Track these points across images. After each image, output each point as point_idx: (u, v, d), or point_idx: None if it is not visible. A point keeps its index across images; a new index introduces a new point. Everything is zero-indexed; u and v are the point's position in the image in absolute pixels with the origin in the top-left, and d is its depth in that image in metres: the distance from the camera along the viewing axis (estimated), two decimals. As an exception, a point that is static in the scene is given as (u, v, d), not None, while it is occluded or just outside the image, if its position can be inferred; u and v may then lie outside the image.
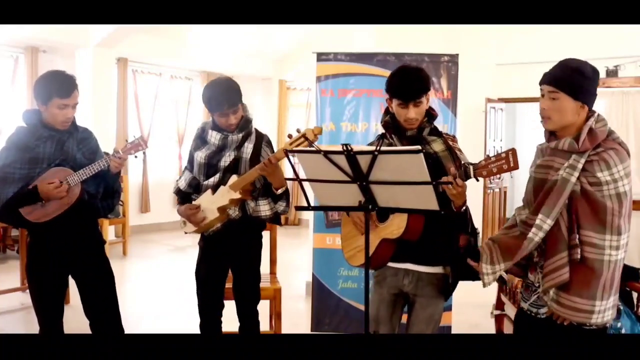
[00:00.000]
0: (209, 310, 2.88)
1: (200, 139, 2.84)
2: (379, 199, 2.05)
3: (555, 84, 1.99)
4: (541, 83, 2.05)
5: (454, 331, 3.86)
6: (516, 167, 1.94)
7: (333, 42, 5.32)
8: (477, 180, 2.10)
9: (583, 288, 1.93)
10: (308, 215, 6.62)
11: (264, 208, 2.72)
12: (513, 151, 1.97)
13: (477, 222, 2.48)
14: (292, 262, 6.19)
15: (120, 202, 6.64)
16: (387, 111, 2.46)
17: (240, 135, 2.74)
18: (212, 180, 2.74)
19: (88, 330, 2.81)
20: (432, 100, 2.81)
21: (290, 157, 2.21)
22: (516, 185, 8.50)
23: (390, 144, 2.40)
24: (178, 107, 8.93)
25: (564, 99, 1.99)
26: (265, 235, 3.00)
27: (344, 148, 1.94)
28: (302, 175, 2.21)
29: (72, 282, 2.81)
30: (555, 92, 1.99)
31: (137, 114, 8.33)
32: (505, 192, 7.79)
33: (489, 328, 3.70)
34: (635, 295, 2.87)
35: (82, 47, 6.99)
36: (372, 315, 2.41)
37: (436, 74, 3.89)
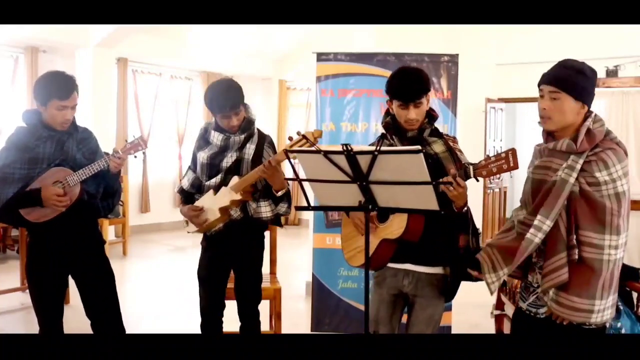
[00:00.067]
0: (210, 310, 2.88)
1: (203, 139, 2.85)
2: (379, 199, 2.05)
3: (557, 84, 1.99)
4: (541, 83, 2.05)
5: (454, 331, 3.86)
6: (516, 167, 1.95)
7: (333, 42, 5.32)
8: (477, 180, 2.10)
9: (582, 288, 1.93)
10: (308, 215, 6.62)
11: (265, 209, 2.72)
12: (513, 151, 1.97)
13: (477, 222, 2.48)
14: (292, 262, 6.19)
15: (120, 202, 6.64)
16: (387, 112, 2.47)
17: (243, 136, 2.75)
18: (214, 180, 2.74)
19: (88, 330, 2.81)
20: (432, 100, 2.81)
21: (291, 157, 2.21)
22: (516, 185, 8.49)
23: (391, 145, 2.40)
24: (178, 107, 8.93)
25: (565, 99, 1.99)
26: (265, 235, 3.00)
27: (344, 148, 1.94)
28: (302, 175, 2.21)
29: (72, 282, 2.81)
30: (557, 92, 1.99)
31: (137, 114, 8.33)
32: (505, 192, 7.80)
33: (489, 328, 3.70)
34: (635, 295, 2.87)
35: (82, 47, 7.00)
36: (372, 316, 2.41)
37: (436, 74, 3.90)
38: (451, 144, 2.39)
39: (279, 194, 2.68)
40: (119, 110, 7.93)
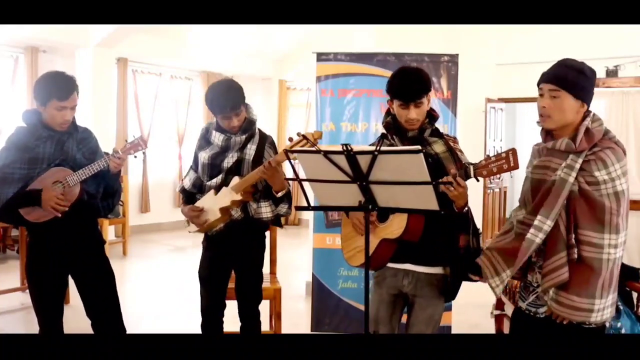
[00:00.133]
0: (211, 310, 2.88)
1: (205, 139, 2.85)
2: (379, 199, 2.05)
3: (557, 82, 2.00)
4: (540, 82, 2.06)
5: (454, 331, 3.86)
6: (516, 166, 1.95)
7: (333, 42, 5.32)
8: (477, 180, 2.10)
9: (582, 287, 1.94)
10: (308, 215, 6.62)
11: (265, 210, 2.73)
12: (513, 151, 1.98)
13: (477, 222, 2.48)
14: (292, 262, 6.19)
15: (120, 202, 6.64)
16: (388, 112, 2.47)
17: (244, 136, 2.75)
18: (215, 181, 2.75)
19: (88, 330, 2.80)
20: (432, 100, 2.81)
21: (291, 157, 2.21)
22: (516, 185, 8.48)
23: (392, 145, 2.40)
24: (178, 107, 8.93)
25: (565, 97, 1.99)
26: (266, 235, 3.00)
27: (344, 148, 1.94)
28: (302, 175, 2.21)
29: (72, 282, 2.81)
30: (557, 91, 1.99)
31: (137, 114, 8.33)
32: (505, 192, 7.80)
33: (489, 328, 3.70)
34: (635, 295, 2.87)
35: (82, 47, 6.99)
36: (371, 316, 2.41)
37: (436, 74, 3.89)
38: (452, 144, 2.39)
39: (279, 194, 2.68)
40: (119, 110, 7.93)
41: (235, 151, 2.75)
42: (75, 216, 2.64)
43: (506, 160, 1.98)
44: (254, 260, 2.88)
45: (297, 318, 4.42)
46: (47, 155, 2.62)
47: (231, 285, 2.91)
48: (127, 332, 2.91)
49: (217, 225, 2.74)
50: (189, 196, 2.87)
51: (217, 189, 2.72)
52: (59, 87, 2.57)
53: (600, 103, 6.25)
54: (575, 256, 1.94)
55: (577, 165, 1.96)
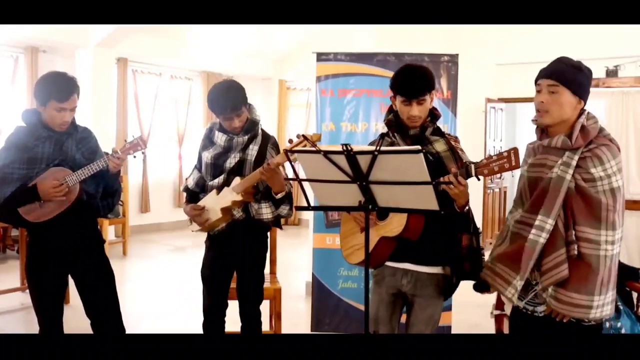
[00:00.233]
0: (213, 309, 2.89)
1: (208, 139, 2.86)
2: (379, 198, 2.05)
3: (556, 77, 2.02)
4: (539, 78, 2.08)
5: (454, 331, 3.86)
6: (518, 166, 1.95)
7: (333, 42, 5.32)
8: (479, 179, 2.11)
9: (581, 284, 1.95)
10: (308, 215, 6.62)
11: (266, 211, 2.73)
12: (515, 150, 1.98)
13: (477, 222, 2.48)
14: (292, 262, 6.19)
15: (120, 202, 6.64)
16: (390, 110, 2.47)
17: (246, 137, 2.75)
18: (217, 181, 2.76)
19: (88, 330, 2.81)
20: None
21: (291, 158, 2.21)
22: (516, 184, 8.49)
23: (393, 143, 2.40)
24: (178, 107, 8.93)
25: (564, 92, 2.01)
26: (267, 236, 3.00)
27: (344, 148, 1.94)
28: (302, 175, 2.21)
29: (72, 282, 2.81)
30: (556, 86, 2.02)
31: (137, 114, 8.33)
32: (505, 192, 7.81)
33: (489, 328, 3.70)
34: (635, 295, 2.87)
35: (82, 47, 6.99)
36: (371, 316, 2.41)
37: (436, 74, 3.89)
38: (453, 143, 2.39)
39: (278, 196, 2.69)
40: (119, 110, 7.93)
41: (237, 151, 2.76)
42: (75, 216, 2.64)
43: (507, 160, 1.98)
44: (256, 260, 2.88)
45: (297, 318, 4.42)
46: (46, 155, 2.62)
47: (232, 285, 2.91)
48: (127, 332, 2.91)
49: (218, 225, 2.75)
50: (192, 195, 2.89)
51: (219, 188, 2.73)
52: (59, 88, 2.57)
53: (600, 103, 6.25)
54: (575, 252, 1.95)
55: (574, 162, 1.98)
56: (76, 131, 2.73)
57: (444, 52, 3.99)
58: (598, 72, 5.94)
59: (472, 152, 2.73)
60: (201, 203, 2.77)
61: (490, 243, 6.82)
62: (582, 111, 2.06)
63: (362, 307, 2.67)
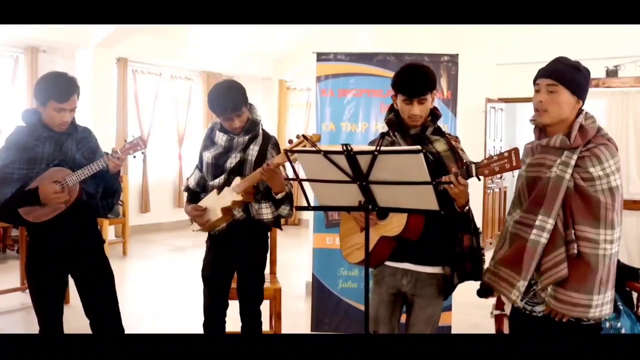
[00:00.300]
0: (214, 309, 2.89)
1: (209, 139, 2.86)
2: (379, 198, 2.05)
3: (555, 77, 2.03)
4: (538, 78, 2.08)
5: (454, 331, 3.86)
6: (518, 166, 1.95)
7: (333, 42, 5.32)
8: (479, 179, 2.11)
9: (580, 283, 1.96)
10: (308, 215, 6.62)
11: (266, 211, 2.73)
12: (516, 150, 1.98)
13: (477, 222, 2.48)
14: (292, 262, 6.19)
15: (120, 202, 6.64)
16: (390, 109, 2.47)
17: (247, 137, 2.75)
18: (218, 181, 2.76)
19: (88, 330, 2.81)
20: (432, 100, 2.83)
21: (291, 158, 2.21)
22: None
23: (393, 142, 2.40)
24: (178, 107, 8.93)
25: (563, 92, 2.02)
26: (268, 236, 3.00)
27: (344, 148, 1.94)
28: (302, 175, 2.21)
29: (71, 282, 2.81)
30: (555, 85, 2.02)
31: (137, 114, 8.33)
32: (505, 192, 7.81)
33: (489, 328, 3.70)
34: (635, 295, 2.87)
35: (82, 47, 7.00)
36: (371, 316, 2.41)
37: (436, 74, 3.85)
38: (453, 143, 2.39)
39: (278, 196, 2.69)
40: (119, 110, 7.93)
41: (238, 152, 2.76)
42: (75, 216, 2.64)
43: (508, 160, 1.98)
44: (256, 260, 2.89)
45: (297, 318, 4.42)
46: (46, 156, 2.62)
47: (233, 285, 2.92)
48: (128, 332, 2.91)
49: (219, 225, 2.75)
50: (194, 195, 2.89)
51: (220, 188, 2.73)
52: (59, 88, 2.57)
53: (600, 103, 6.25)
54: (575, 251, 1.96)
55: (572, 162, 1.99)
56: (76, 131, 2.73)
57: (444, 52, 3.99)
58: (598, 72, 5.94)
59: (472, 152, 2.73)
60: (202, 203, 2.77)
61: (490, 243, 6.82)
62: (580, 111, 2.07)
63: (362, 307, 2.67)
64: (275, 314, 3.65)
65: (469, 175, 2.07)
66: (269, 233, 2.98)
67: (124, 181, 6.74)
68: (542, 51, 6.12)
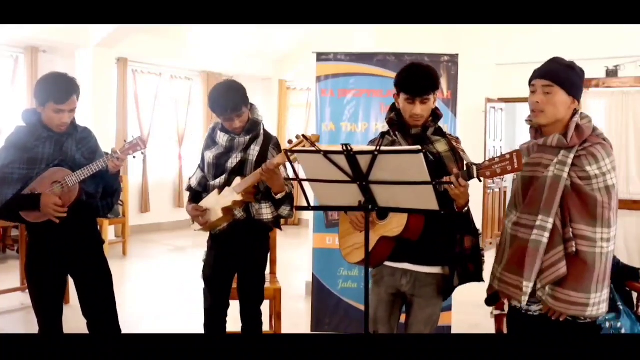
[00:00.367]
0: (214, 309, 2.89)
1: (211, 139, 2.87)
2: (379, 198, 2.05)
3: (551, 78, 2.04)
4: (533, 79, 2.10)
5: (454, 331, 3.86)
6: (520, 168, 1.95)
7: (333, 42, 5.32)
8: (480, 180, 2.11)
9: (578, 281, 1.97)
10: (308, 215, 6.62)
11: (266, 211, 2.73)
12: (518, 153, 1.98)
13: (477, 222, 2.49)
14: (292, 262, 6.19)
15: (120, 202, 6.64)
16: (392, 108, 2.46)
17: (248, 137, 2.75)
18: (219, 180, 2.76)
19: (87, 331, 2.81)
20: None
21: (291, 158, 2.21)
22: (516, 185, 8.49)
23: (394, 142, 2.40)
24: (178, 107, 8.92)
25: (558, 92, 2.04)
26: (269, 236, 3.00)
27: (344, 148, 1.94)
28: (302, 175, 2.21)
29: (71, 282, 2.81)
30: (550, 86, 2.04)
31: (137, 114, 8.32)
32: (505, 192, 7.80)
33: (489, 328, 3.70)
34: (635, 295, 2.87)
35: (82, 47, 6.99)
36: (370, 316, 2.41)
37: (436, 74, 3.89)
38: (454, 143, 2.39)
39: (278, 197, 2.68)
40: (119, 110, 7.93)
41: (239, 152, 2.76)
42: (75, 216, 2.63)
43: (510, 162, 1.98)
44: (257, 260, 2.89)
45: (297, 318, 4.42)
46: (46, 156, 2.61)
47: (234, 285, 2.92)
48: (128, 332, 2.91)
49: (220, 225, 2.75)
50: (195, 195, 2.89)
51: (221, 188, 2.73)
52: (59, 89, 2.56)
53: (600, 103, 6.24)
54: (573, 249, 1.98)
55: (569, 161, 2.00)
56: (76, 131, 2.72)
57: (444, 52, 3.99)
58: (598, 72, 5.94)
59: (472, 152, 2.73)
60: (203, 203, 2.78)
61: (490, 243, 6.82)
62: (576, 111, 2.09)
63: (362, 307, 2.67)
64: (275, 314, 3.65)
65: (470, 177, 2.07)
66: (269, 234, 2.97)
67: (124, 181, 6.74)
68: (542, 51, 6.11)
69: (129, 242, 7.04)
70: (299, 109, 9.70)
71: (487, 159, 2.09)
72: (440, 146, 2.37)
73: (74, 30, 6.71)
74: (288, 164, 2.38)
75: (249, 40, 8.38)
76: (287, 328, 3.79)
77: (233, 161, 2.75)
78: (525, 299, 2.04)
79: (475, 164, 2.08)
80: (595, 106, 5.88)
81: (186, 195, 2.97)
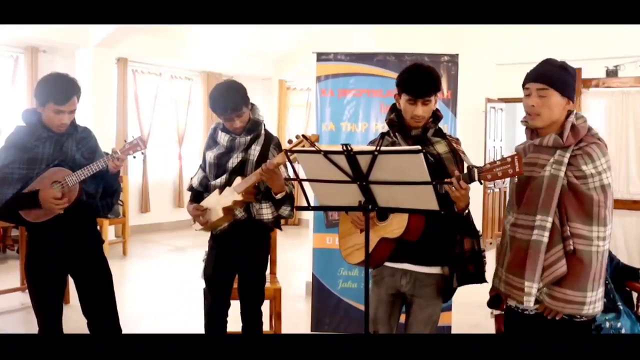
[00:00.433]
0: (215, 309, 2.89)
1: (212, 139, 2.87)
2: (379, 198, 2.05)
3: (544, 80, 2.06)
4: (526, 82, 2.11)
5: (454, 331, 3.86)
6: (521, 172, 1.96)
7: (333, 42, 5.31)
8: (481, 183, 2.11)
9: (574, 280, 1.98)
10: (308, 215, 6.62)
11: (266, 211, 2.73)
12: (518, 156, 1.98)
13: (477, 222, 2.48)
14: (292, 262, 6.19)
15: (120, 202, 6.64)
16: (392, 109, 2.46)
17: (249, 137, 2.76)
18: (219, 180, 2.76)
19: (87, 330, 2.81)
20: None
21: (291, 158, 2.21)
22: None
23: (394, 143, 2.40)
24: (178, 107, 8.92)
25: (553, 95, 2.05)
26: (270, 236, 3.00)
27: (344, 148, 1.94)
28: (302, 175, 2.21)
29: (71, 282, 2.81)
30: (545, 89, 2.05)
31: (137, 114, 8.32)
32: (505, 193, 7.80)
33: (489, 328, 3.70)
34: (635, 295, 2.87)
35: (82, 47, 6.99)
36: (370, 316, 2.41)
37: (436, 74, 3.89)
38: (454, 145, 2.39)
39: (277, 197, 2.68)
40: (119, 110, 7.93)
41: (239, 152, 2.76)
42: (75, 216, 2.64)
43: (511, 165, 1.98)
44: (257, 260, 2.89)
45: (297, 318, 4.42)
46: (46, 156, 2.62)
47: (234, 285, 2.92)
48: (128, 332, 2.91)
49: (220, 225, 2.76)
50: (197, 195, 2.89)
51: (222, 188, 2.73)
52: (59, 90, 2.56)
53: (600, 103, 6.24)
54: (571, 248, 1.99)
55: (566, 160, 2.02)
56: (76, 131, 2.73)
57: (444, 52, 3.99)
58: (598, 72, 5.94)
59: (472, 152, 2.73)
60: (204, 203, 2.78)
61: (490, 243, 6.81)
62: (570, 111, 2.10)
63: (362, 307, 2.67)
64: (276, 314, 3.65)
65: (472, 180, 2.07)
66: (270, 234, 2.97)
67: (124, 181, 6.74)
68: (542, 51, 6.10)
69: (129, 242, 7.04)
70: (299, 109, 9.70)
71: (487, 160, 2.09)
72: (441, 147, 2.37)
73: (74, 30, 6.71)
74: (288, 164, 2.38)
75: (249, 40, 8.38)
76: (287, 328, 3.79)
77: (234, 161, 2.75)
78: (529, 299, 2.04)
79: (477, 167, 2.08)
80: (595, 106, 5.88)
81: (186, 195, 2.98)
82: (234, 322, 2.96)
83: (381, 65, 3.92)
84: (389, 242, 2.33)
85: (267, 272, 3.38)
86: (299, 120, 9.62)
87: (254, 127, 2.78)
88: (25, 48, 7.04)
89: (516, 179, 2.17)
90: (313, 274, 4.07)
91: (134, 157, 2.70)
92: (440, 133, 2.43)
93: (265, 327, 3.21)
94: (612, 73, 6.24)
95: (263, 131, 2.83)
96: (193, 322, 3.01)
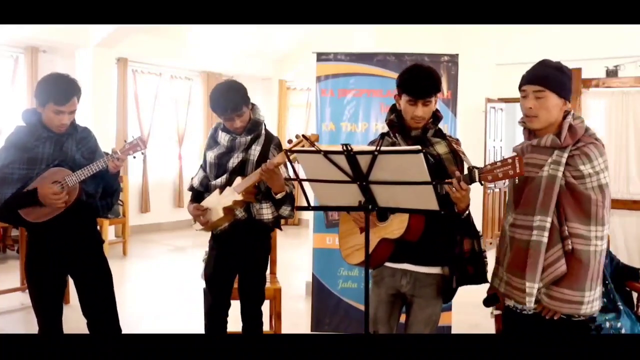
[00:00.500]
0: (215, 309, 2.89)
1: (213, 139, 2.87)
2: (379, 198, 2.05)
3: (541, 82, 2.06)
4: (523, 84, 2.11)
5: (454, 331, 3.86)
6: (522, 173, 1.96)
7: (333, 42, 5.32)
8: (482, 184, 2.12)
9: (573, 280, 1.99)
10: (308, 215, 6.62)
11: (266, 211, 2.73)
12: (519, 158, 1.98)
13: (477, 222, 2.48)
14: (292, 262, 6.19)
15: (120, 202, 6.64)
16: (392, 109, 2.46)
17: (249, 137, 2.76)
18: (220, 180, 2.76)
19: (87, 330, 2.81)
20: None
21: (291, 158, 2.21)
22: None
23: (394, 143, 2.40)
24: (178, 107, 8.92)
25: (550, 96, 2.06)
26: (270, 236, 3.00)
27: (344, 148, 1.94)
28: (302, 175, 2.21)
29: (71, 282, 2.81)
30: (542, 91, 2.05)
31: (137, 114, 8.32)
32: (505, 193, 7.80)
33: (489, 328, 3.70)
34: (635, 295, 2.87)
35: (82, 47, 6.99)
36: (370, 316, 2.41)
37: (436, 74, 3.89)
38: (454, 145, 2.39)
39: (277, 196, 2.68)
40: (119, 110, 7.93)
41: (240, 152, 2.76)
42: (74, 216, 2.64)
43: (512, 166, 1.98)
44: (257, 260, 2.89)
45: (297, 318, 4.41)
46: (46, 156, 2.62)
47: (234, 285, 2.92)
48: (128, 332, 2.91)
49: (221, 225, 2.76)
50: (198, 194, 2.89)
51: (222, 188, 2.73)
52: (59, 90, 2.56)
53: (600, 103, 6.24)
54: (570, 247, 1.99)
55: (563, 160, 2.03)
56: (76, 131, 2.73)
57: (444, 52, 3.99)
58: (598, 72, 5.94)
59: (472, 152, 2.73)
60: (204, 202, 2.78)
61: (490, 243, 6.82)
62: (567, 111, 2.11)
63: (362, 307, 2.67)
64: (276, 314, 3.65)
65: (472, 181, 2.07)
66: (270, 234, 2.97)
67: (124, 181, 6.74)
68: (542, 51, 6.11)
69: (129, 242, 7.04)
70: (299, 109, 9.70)
71: (487, 160, 2.10)
72: (441, 148, 2.37)
73: (74, 30, 6.71)
74: (288, 164, 2.38)
75: (249, 40, 8.38)
76: (287, 328, 3.79)
77: (234, 161, 2.75)
78: (530, 300, 2.04)
79: (477, 168, 2.08)
80: (595, 106, 5.87)
81: (186, 195, 2.98)
82: (234, 322, 2.96)
83: (381, 65, 3.92)
84: (389, 242, 2.33)
85: (267, 272, 3.38)
86: (299, 120, 9.62)
87: (254, 127, 2.78)
88: (25, 48, 7.04)
89: (515, 180, 2.17)
90: (313, 274, 4.07)
91: (134, 157, 2.70)
92: (440, 134, 2.43)
93: (266, 327, 3.21)
94: (612, 73, 6.24)
95: (263, 131, 2.83)
96: (193, 322, 3.01)
